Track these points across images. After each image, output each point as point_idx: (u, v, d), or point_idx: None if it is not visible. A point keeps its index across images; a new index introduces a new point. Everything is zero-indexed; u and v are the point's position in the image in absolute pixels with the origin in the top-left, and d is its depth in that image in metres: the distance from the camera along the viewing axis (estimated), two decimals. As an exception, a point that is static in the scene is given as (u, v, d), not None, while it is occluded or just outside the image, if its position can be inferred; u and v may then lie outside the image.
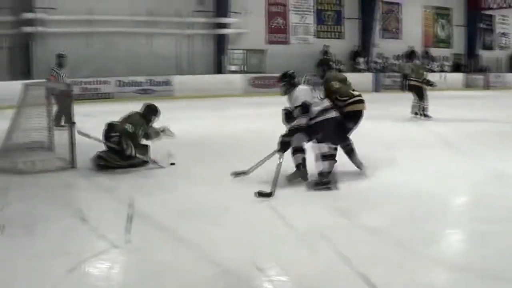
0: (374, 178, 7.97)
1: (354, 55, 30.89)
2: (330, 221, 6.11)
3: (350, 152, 7.96)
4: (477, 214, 6.39)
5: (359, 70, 30.07)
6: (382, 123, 14.36)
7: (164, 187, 7.59)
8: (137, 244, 5.31)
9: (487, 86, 32.01)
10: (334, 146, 7.45)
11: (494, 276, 4.51)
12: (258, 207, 6.55)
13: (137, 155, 8.52)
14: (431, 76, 17.13)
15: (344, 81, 8.03)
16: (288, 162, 7.52)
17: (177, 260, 4.92)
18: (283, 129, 7.61)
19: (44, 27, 22.51)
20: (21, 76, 19.98)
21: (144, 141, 8.83)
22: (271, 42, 28.87)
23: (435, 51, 33.60)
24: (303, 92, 7.57)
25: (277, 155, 7.34)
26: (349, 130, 7.92)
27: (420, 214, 6.30)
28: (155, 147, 9.05)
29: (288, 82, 7.74)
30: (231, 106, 20.33)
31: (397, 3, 33.13)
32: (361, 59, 30.55)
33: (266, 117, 12.78)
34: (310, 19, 30.22)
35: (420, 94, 15.89)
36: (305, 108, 7.37)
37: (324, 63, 8.30)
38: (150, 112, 9.00)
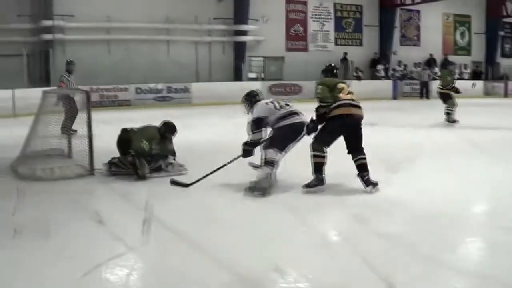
0: (394, 185, 7.88)
1: (374, 63, 30.81)
2: (349, 228, 6.08)
3: (359, 167, 7.49)
4: (499, 223, 6.27)
5: (379, 78, 30.01)
6: (401, 130, 14.29)
7: (180, 193, 7.53)
8: (153, 249, 5.30)
9: (507, 94, 31.72)
10: (278, 152, 7.47)
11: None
12: (275, 214, 6.53)
13: (150, 173, 8.46)
14: (463, 84, 17.14)
15: (332, 86, 7.77)
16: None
17: (192, 266, 4.86)
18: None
19: (63, 35, 22.72)
20: (40, 83, 20.13)
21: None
22: (290, 49, 28.84)
23: (454, 59, 33.31)
24: (259, 107, 7.78)
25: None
26: (327, 138, 7.56)
27: (441, 222, 6.20)
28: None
29: (249, 101, 8.02)
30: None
31: (417, 11, 32.96)
32: (380, 67, 30.45)
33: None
34: (330, 26, 30.20)
35: (447, 100, 16.00)
36: (256, 123, 7.65)
37: (325, 71, 8.15)
38: (168, 130, 8.94)
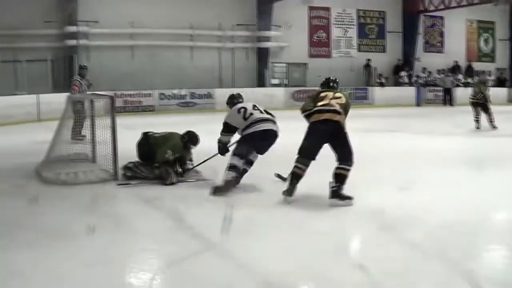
0: (416, 192, 7.87)
1: (397, 69, 30.67)
2: (371, 236, 6.05)
3: (335, 175, 7.15)
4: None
5: (402, 84, 29.88)
6: (425, 137, 14.23)
7: (204, 199, 7.55)
8: (180, 255, 5.28)
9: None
10: (239, 159, 7.91)
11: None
12: (298, 221, 6.54)
13: (177, 181, 8.49)
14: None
15: (316, 96, 7.66)
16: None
17: (217, 273, 4.88)
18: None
19: (87, 40, 22.89)
20: (64, 89, 20.26)
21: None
22: (313, 55, 28.80)
23: (478, 66, 33.08)
24: (230, 113, 8.34)
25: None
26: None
27: (465, 229, 6.15)
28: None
29: (230, 103, 8.58)
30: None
31: (440, 17, 32.74)
32: (404, 73, 30.31)
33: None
34: (353, 32, 30.10)
35: (484, 109, 16.24)
36: (225, 126, 8.29)
37: (322, 84, 8.06)
38: (191, 140, 8.95)
